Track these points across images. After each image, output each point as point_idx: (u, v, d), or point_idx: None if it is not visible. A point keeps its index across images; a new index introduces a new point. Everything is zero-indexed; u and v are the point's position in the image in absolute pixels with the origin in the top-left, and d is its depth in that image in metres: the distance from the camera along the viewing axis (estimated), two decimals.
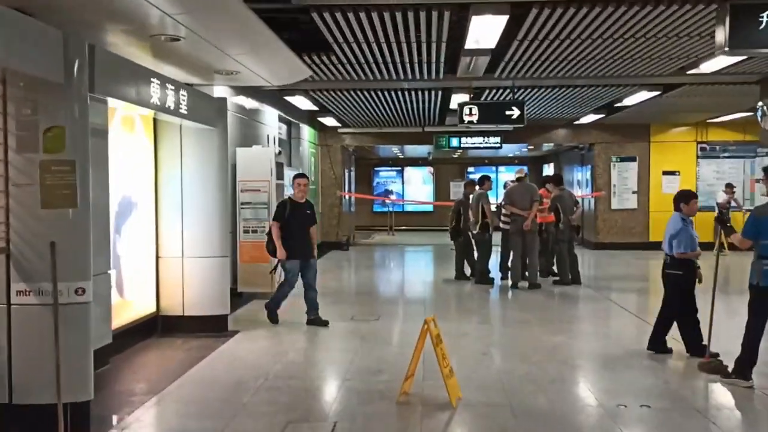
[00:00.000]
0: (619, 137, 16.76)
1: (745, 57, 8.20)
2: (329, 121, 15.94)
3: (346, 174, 18.41)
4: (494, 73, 9.44)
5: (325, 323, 7.87)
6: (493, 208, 11.55)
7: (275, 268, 8.51)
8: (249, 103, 10.58)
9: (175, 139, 7.54)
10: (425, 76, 9.57)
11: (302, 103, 12.45)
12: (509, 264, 11.01)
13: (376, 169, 25.46)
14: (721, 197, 15.70)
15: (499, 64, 8.90)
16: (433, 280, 12.52)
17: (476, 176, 13.30)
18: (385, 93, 11.29)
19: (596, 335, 7.79)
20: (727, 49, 5.64)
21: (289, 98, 11.84)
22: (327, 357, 6.94)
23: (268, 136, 11.47)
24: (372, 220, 24.86)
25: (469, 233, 11.42)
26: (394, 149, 21.28)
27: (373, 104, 12.64)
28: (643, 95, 11.31)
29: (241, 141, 9.91)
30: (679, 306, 6.37)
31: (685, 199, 6.38)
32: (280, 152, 9.79)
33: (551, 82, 10.37)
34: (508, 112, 10.34)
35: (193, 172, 7.55)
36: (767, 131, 9.92)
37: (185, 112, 6.64)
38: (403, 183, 25.53)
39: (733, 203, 15.68)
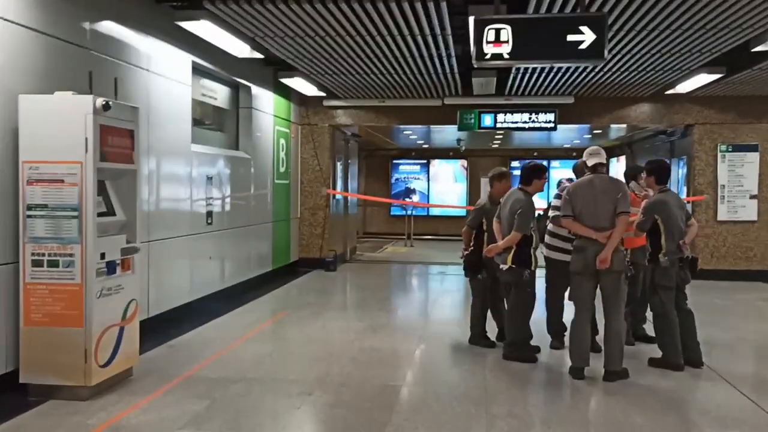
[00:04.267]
0: (732, 116, 11.32)
1: None
2: (306, 88, 11.00)
3: (339, 165, 13.43)
4: None
5: None
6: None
7: None
8: (73, 18, 5.75)
9: None
10: None
11: (226, 41, 7.51)
12: (570, 326, 5.89)
13: (395, 162, 20.33)
14: None
15: None
16: (430, 345, 7.00)
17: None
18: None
19: None
20: None
21: (186, 24, 6.92)
22: None
23: (149, 91, 6.62)
24: (389, 225, 19.85)
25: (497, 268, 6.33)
26: (410, 134, 16.13)
27: (339, 37, 7.64)
28: None
29: (77, 89, 5.14)
30: None
31: None
32: (107, 104, 4.85)
33: None
34: (572, 37, 5.30)
35: None
36: None
37: None
38: (428, 180, 20.32)
39: None
